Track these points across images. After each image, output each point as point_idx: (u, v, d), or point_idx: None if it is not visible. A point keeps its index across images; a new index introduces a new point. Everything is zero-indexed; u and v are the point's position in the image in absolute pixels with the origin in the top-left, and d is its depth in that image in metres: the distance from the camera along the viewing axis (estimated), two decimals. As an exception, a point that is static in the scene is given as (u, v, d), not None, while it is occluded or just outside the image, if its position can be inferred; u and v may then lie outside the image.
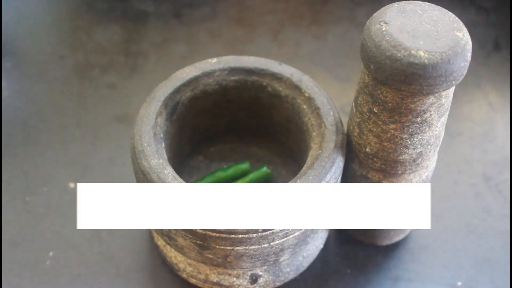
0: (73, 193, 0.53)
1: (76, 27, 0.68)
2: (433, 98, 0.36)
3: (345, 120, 0.49)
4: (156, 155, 0.40)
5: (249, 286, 0.45)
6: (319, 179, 0.40)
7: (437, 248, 0.50)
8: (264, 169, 0.49)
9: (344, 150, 0.42)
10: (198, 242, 0.40)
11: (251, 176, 0.49)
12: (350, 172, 0.44)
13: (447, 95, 0.37)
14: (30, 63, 0.64)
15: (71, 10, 0.70)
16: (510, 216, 0.52)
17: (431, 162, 0.43)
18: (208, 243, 0.40)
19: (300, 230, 0.41)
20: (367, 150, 0.41)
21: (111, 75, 0.63)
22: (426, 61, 0.33)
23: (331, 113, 0.43)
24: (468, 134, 0.59)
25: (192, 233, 0.40)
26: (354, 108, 0.41)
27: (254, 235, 0.39)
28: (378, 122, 0.38)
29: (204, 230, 0.39)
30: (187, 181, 0.50)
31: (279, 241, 0.41)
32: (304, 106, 0.45)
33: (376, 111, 0.38)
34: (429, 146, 0.40)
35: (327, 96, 0.45)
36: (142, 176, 0.40)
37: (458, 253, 0.50)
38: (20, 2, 0.70)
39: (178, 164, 0.50)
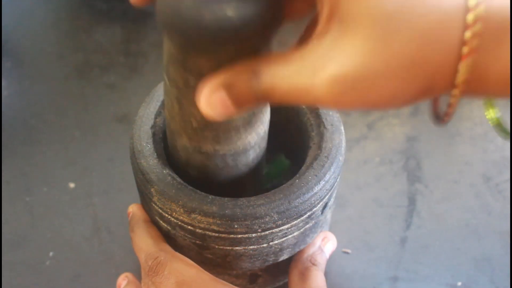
0: (73, 193, 0.53)
1: (76, 27, 0.68)
2: None
3: (344, 120, 0.49)
4: (155, 155, 0.40)
5: (248, 286, 0.45)
6: (318, 179, 0.39)
7: (437, 248, 0.50)
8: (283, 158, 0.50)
9: (343, 150, 0.42)
10: (197, 242, 0.40)
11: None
12: (184, 150, 0.39)
13: None
14: (30, 63, 0.64)
15: (71, 10, 0.70)
16: (510, 216, 0.52)
17: (264, 115, 0.39)
18: (207, 243, 0.40)
19: (300, 230, 0.41)
20: (194, 125, 0.36)
21: (111, 75, 0.63)
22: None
23: (330, 113, 0.43)
24: (468, 134, 0.58)
25: (191, 233, 0.40)
26: (167, 82, 0.35)
27: (253, 235, 0.39)
28: None
29: (203, 230, 0.39)
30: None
31: (278, 241, 0.41)
32: (303, 106, 0.45)
33: (193, 85, 0.33)
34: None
35: (327, 96, 0.44)
36: (141, 176, 0.40)
37: (458, 253, 0.50)
38: (20, 2, 0.70)
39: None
